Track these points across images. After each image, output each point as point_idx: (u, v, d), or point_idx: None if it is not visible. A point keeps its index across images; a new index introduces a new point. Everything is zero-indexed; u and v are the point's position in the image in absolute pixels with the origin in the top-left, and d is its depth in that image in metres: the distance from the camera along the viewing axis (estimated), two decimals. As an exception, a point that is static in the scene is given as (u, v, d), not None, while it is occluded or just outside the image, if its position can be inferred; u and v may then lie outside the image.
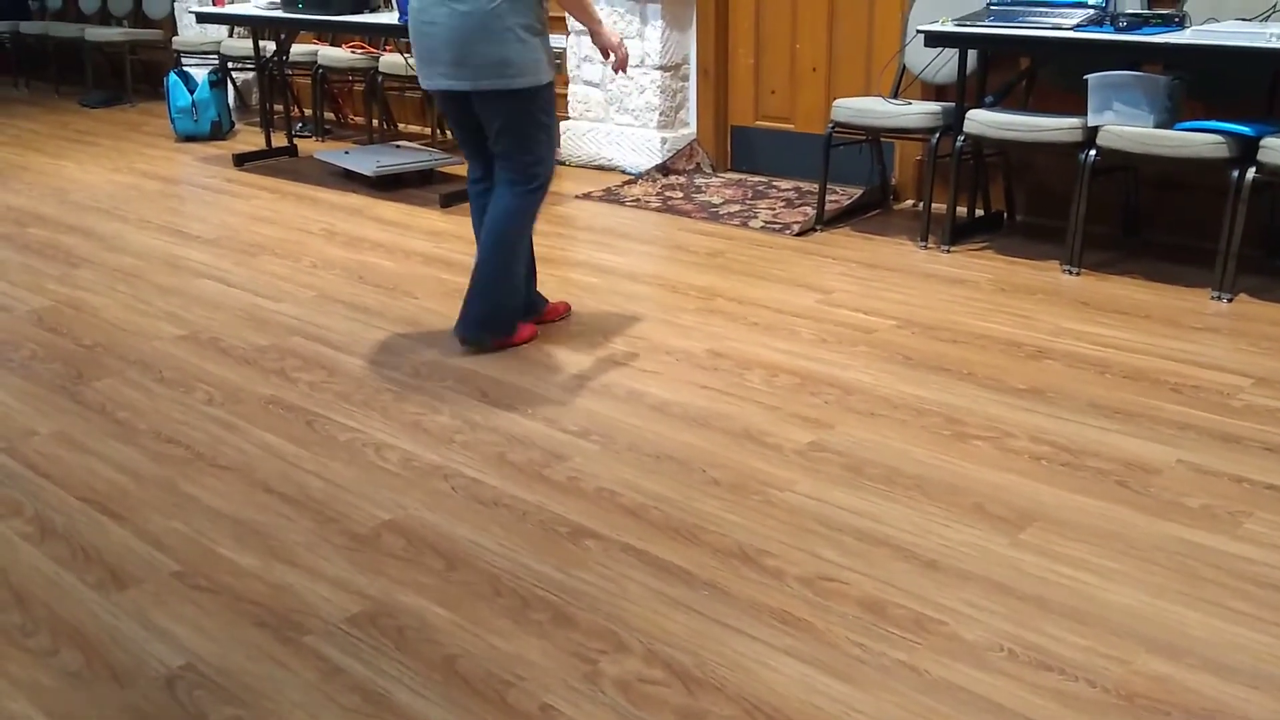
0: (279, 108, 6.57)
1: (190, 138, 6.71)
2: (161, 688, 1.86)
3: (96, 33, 7.88)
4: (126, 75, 7.96)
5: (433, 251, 4.30)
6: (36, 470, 2.62)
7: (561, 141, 5.82)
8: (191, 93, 6.63)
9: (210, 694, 1.84)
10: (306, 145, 6.39)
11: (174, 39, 7.46)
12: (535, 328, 3.38)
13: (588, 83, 5.68)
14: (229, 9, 6.08)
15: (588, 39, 5.56)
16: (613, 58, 3.18)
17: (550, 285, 3.87)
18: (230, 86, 7.06)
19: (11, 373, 3.20)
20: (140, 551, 2.27)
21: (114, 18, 8.39)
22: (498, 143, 3.10)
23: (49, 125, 7.32)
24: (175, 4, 7.87)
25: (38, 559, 2.24)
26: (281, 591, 2.12)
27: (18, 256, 4.35)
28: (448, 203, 4.98)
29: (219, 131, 6.72)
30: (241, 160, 6.00)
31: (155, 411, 2.92)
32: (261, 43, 6.20)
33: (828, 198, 4.61)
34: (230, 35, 7.14)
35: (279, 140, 6.23)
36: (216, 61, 7.02)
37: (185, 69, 6.82)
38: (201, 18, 5.95)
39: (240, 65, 7.03)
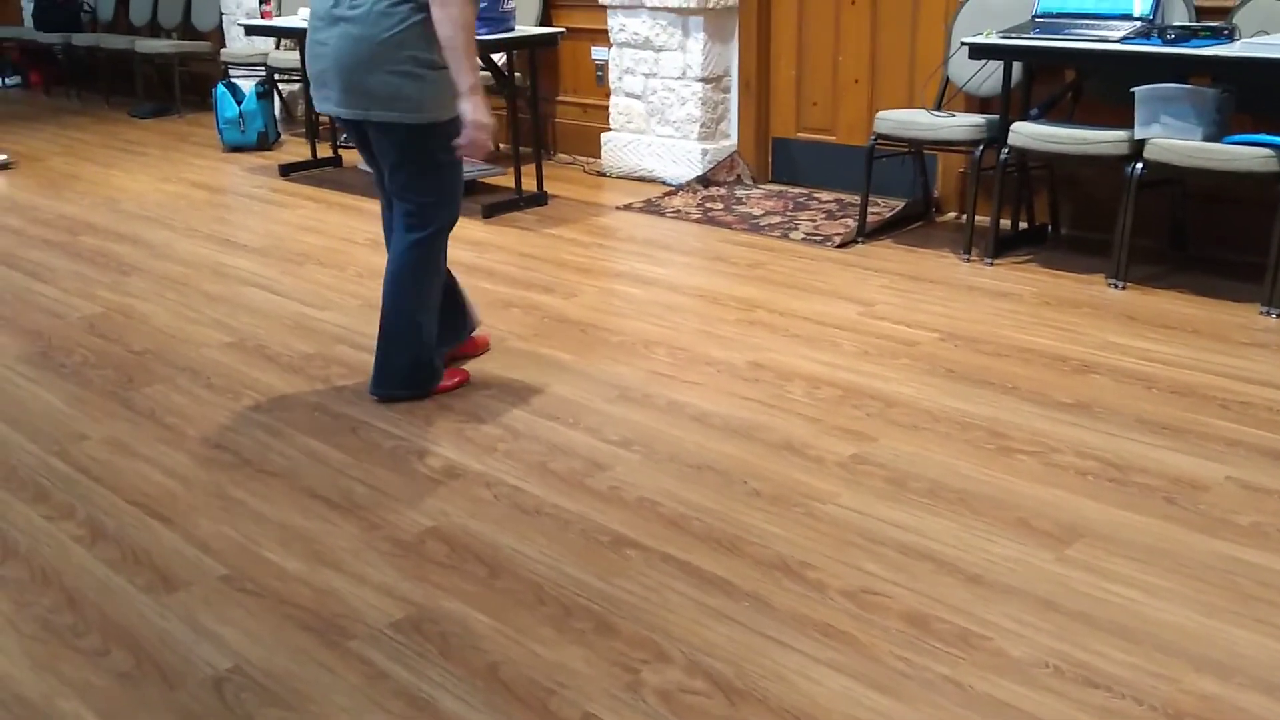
0: (325, 119, 6.64)
1: (237, 148, 6.80)
2: (209, 689, 1.88)
3: (146, 45, 8.02)
4: (175, 86, 8.08)
5: (475, 261, 4.33)
6: (88, 474, 2.67)
7: (602, 153, 5.85)
8: (239, 104, 6.72)
9: (257, 696, 1.86)
10: (351, 156, 6.46)
11: (222, 51, 7.57)
12: (466, 374, 3.14)
13: (629, 94, 5.71)
14: (276, 21, 6.17)
15: (630, 50, 5.59)
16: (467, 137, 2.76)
17: (591, 295, 3.88)
18: (277, 98, 7.15)
19: (64, 378, 3.26)
20: (189, 555, 2.30)
21: (163, 30, 8.53)
22: (393, 179, 2.87)
23: (100, 135, 7.46)
24: (223, 16, 7.99)
25: (89, 561, 2.28)
26: (327, 596, 2.14)
27: (70, 264, 4.43)
28: (490, 213, 5.02)
29: (265, 142, 6.81)
30: (287, 170, 6.08)
31: (203, 417, 2.97)
32: (308, 55, 6.27)
33: (869, 210, 4.59)
34: (277, 47, 7.24)
35: (324, 151, 6.31)
36: (263, 73, 7.11)
37: (233, 80, 6.91)
38: (249, 30, 6.04)
39: (287, 77, 7.12)
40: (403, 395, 3.02)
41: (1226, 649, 1.92)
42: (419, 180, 2.86)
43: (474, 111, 2.73)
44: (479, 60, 2.74)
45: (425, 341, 2.99)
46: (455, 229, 3.01)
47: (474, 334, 3.31)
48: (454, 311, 3.16)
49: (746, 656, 1.93)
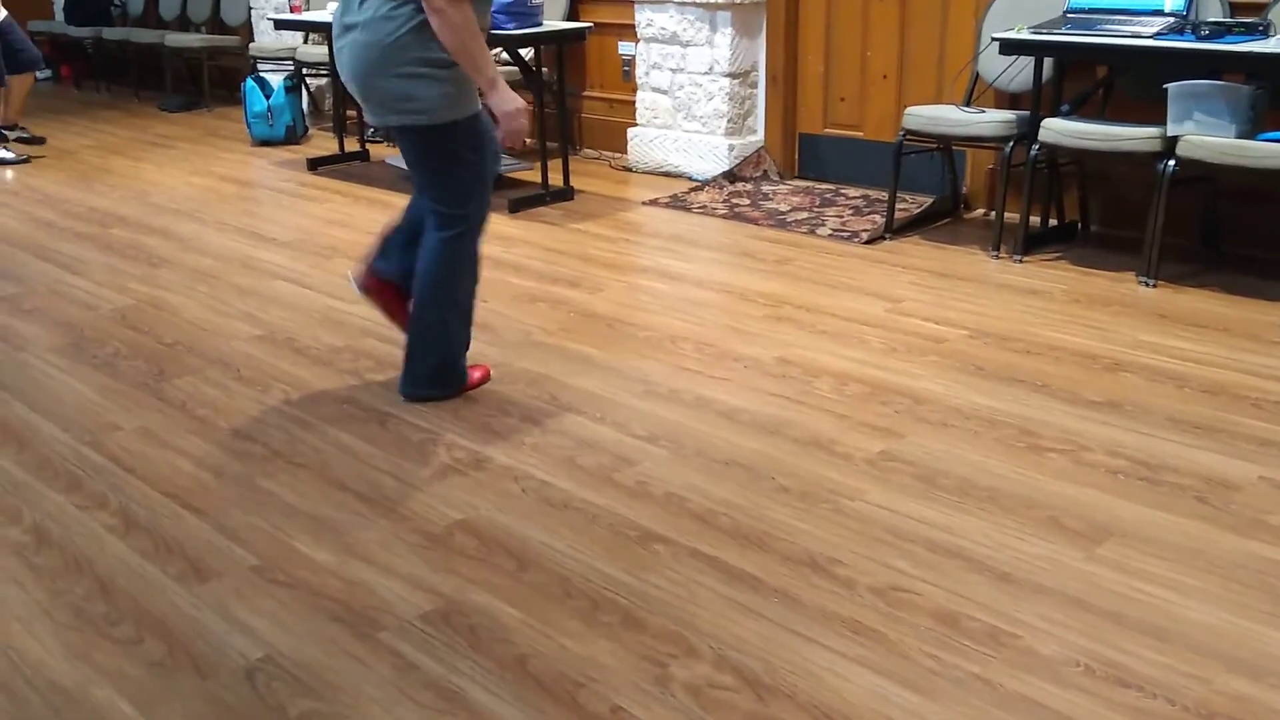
0: (352, 113, 6.67)
1: (266, 142, 6.84)
2: (241, 679, 1.90)
3: (176, 39, 8.07)
4: (204, 80, 8.14)
5: (502, 256, 4.34)
6: (120, 464, 2.69)
7: (628, 148, 5.85)
8: (267, 98, 6.76)
9: (288, 686, 1.88)
10: (378, 150, 6.49)
11: (251, 45, 7.62)
12: (488, 368, 3.15)
13: (656, 89, 5.70)
14: (305, 16, 6.20)
15: (657, 45, 5.59)
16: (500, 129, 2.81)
17: (617, 290, 3.89)
18: (305, 92, 7.19)
19: (96, 369, 3.29)
20: (220, 545, 2.32)
21: (193, 24, 8.59)
22: (417, 178, 2.86)
23: (129, 129, 7.52)
24: (252, 11, 8.03)
25: (122, 551, 2.31)
26: (357, 587, 2.16)
27: (101, 256, 4.47)
28: (516, 208, 5.03)
29: (294, 136, 6.85)
30: (315, 164, 6.11)
31: (234, 409, 2.99)
32: (336, 49, 6.29)
33: (897, 206, 4.58)
34: (305, 41, 7.28)
35: (352, 145, 6.34)
36: (292, 67, 7.15)
37: (261, 74, 6.95)
38: (278, 24, 6.07)
39: (315, 71, 7.15)
40: (432, 396, 2.99)
41: (1259, 649, 1.91)
42: (443, 179, 2.80)
43: (501, 103, 2.72)
44: (491, 56, 2.70)
45: (453, 341, 2.97)
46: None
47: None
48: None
49: (775, 652, 1.93)
